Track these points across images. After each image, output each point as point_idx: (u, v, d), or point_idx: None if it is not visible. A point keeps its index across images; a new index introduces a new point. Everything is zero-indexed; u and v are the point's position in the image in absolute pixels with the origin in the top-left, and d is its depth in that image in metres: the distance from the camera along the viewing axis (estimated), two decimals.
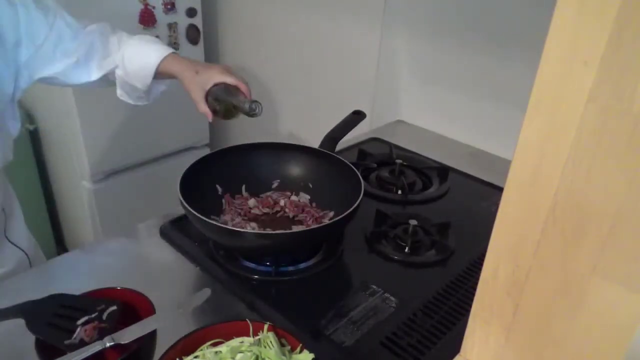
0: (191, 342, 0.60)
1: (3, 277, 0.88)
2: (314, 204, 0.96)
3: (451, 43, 1.34)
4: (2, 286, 0.80)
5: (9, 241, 0.98)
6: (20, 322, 0.63)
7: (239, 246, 0.84)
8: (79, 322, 0.62)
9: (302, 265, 0.85)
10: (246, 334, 0.62)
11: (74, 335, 0.61)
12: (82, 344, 0.60)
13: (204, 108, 0.87)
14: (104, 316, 0.64)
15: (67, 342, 0.60)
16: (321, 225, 0.85)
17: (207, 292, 0.67)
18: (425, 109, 1.47)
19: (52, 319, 0.63)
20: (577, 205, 0.41)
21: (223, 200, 0.94)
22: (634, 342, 0.41)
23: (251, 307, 0.76)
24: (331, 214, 0.93)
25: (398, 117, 1.53)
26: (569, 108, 0.39)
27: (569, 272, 0.44)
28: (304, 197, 0.97)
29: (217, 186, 0.95)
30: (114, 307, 0.64)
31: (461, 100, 1.37)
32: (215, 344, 0.61)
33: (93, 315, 0.63)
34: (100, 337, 0.61)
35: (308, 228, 0.88)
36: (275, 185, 0.99)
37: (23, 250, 1.01)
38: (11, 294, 0.78)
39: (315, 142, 1.00)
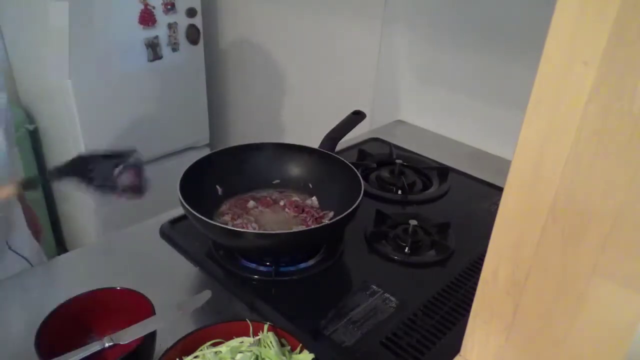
0: (191, 342, 0.60)
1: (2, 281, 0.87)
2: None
3: (451, 43, 1.34)
4: (2, 287, 0.80)
5: (10, 249, 0.97)
6: (20, 321, 0.63)
7: (239, 246, 0.84)
8: (116, 171, 0.69)
9: (302, 266, 0.85)
10: (246, 334, 0.62)
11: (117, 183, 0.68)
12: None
13: None
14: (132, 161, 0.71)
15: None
16: (321, 225, 0.85)
17: (207, 294, 0.67)
18: (425, 109, 1.47)
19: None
20: (577, 205, 0.41)
21: (223, 201, 0.94)
22: (634, 342, 0.41)
23: (251, 307, 0.76)
24: (331, 214, 0.93)
25: (398, 117, 1.53)
26: (569, 108, 0.39)
27: (569, 272, 0.44)
28: (314, 202, 0.97)
29: (217, 186, 0.95)
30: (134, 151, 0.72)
31: (461, 100, 1.37)
32: (215, 344, 0.61)
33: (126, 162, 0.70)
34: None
35: (308, 228, 0.88)
36: (275, 184, 0.99)
37: (25, 258, 1.00)
38: (11, 294, 0.78)
39: (315, 142, 1.00)
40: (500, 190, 0.83)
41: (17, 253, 0.98)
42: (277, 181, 1.00)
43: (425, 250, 0.91)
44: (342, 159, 0.95)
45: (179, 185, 0.82)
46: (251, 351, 0.59)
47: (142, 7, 1.74)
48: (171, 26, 1.84)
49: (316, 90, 1.80)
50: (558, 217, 0.43)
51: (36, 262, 1.01)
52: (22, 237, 1.01)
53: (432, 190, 1.12)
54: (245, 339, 0.61)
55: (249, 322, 0.62)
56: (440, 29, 1.35)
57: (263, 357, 0.59)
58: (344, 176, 0.92)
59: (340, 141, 1.03)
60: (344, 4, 1.58)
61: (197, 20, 1.91)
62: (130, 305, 0.66)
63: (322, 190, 0.97)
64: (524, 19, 1.17)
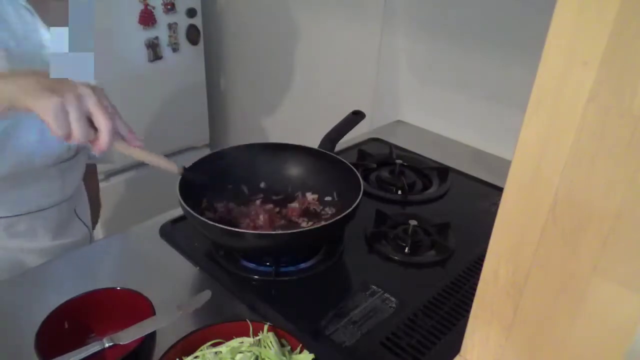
0: (191, 342, 0.60)
1: (68, 247, 0.96)
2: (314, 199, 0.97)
3: (451, 43, 1.34)
4: (2, 287, 0.80)
5: (78, 217, 1.07)
6: (20, 321, 0.63)
7: (239, 246, 0.84)
8: None
9: (302, 266, 0.85)
10: (246, 334, 0.62)
11: None
12: None
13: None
14: None
15: None
16: (321, 225, 0.85)
17: (207, 294, 0.67)
18: (425, 109, 1.47)
19: None
20: (577, 205, 0.41)
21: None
22: (634, 342, 0.41)
23: (251, 308, 0.76)
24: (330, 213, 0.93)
25: (398, 117, 1.53)
26: (569, 108, 0.39)
27: (569, 272, 0.44)
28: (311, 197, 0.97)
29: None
30: None
31: (461, 100, 1.37)
32: (215, 344, 0.61)
33: None
34: None
35: (308, 228, 0.88)
36: (275, 184, 0.99)
37: (87, 226, 1.11)
38: (11, 294, 0.78)
39: (315, 142, 1.00)
40: (500, 190, 0.83)
41: (82, 221, 1.09)
42: (277, 181, 0.99)
43: (425, 250, 0.91)
44: (342, 159, 0.95)
45: (179, 185, 0.82)
46: (251, 351, 0.59)
47: (142, 7, 1.74)
48: (171, 26, 1.84)
49: (316, 90, 1.80)
50: (558, 217, 0.43)
51: (91, 229, 1.15)
52: (85, 207, 1.12)
53: (432, 190, 1.12)
54: (245, 339, 0.61)
55: (249, 322, 0.62)
56: (440, 29, 1.35)
57: (263, 357, 0.59)
58: (344, 176, 0.91)
59: (340, 141, 1.03)
60: (344, 4, 1.58)
61: (197, 20, 1.91)
62: (130, 305, 0.66)
63: (321, 191, 0.97)
64: (524, 19, 1.17)
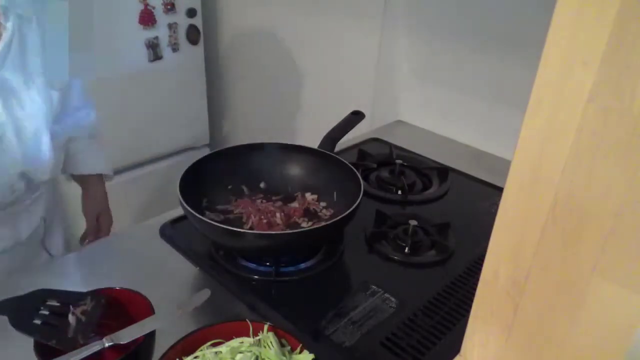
0: (191, 342, 0.60)
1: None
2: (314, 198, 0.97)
3: (451, 43, 1.34)
4: (2, 287, 0.80)
5: (45, 249, 1.02)
6: None
7: (239, 246, 0.84)
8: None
9: (302, 266, 0.85)
10: (246, 334, 0.62)
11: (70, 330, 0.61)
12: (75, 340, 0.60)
13: None
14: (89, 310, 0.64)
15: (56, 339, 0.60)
16: (321, 225, 0.85)
17: (206, 293, 0.67)
18: (425, 109, 1.47)
19: (36, 315, 0.62)
20: (577, 205, 0.41)
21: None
22: (634, 342, 0.41)
23: (251, 308, 0.76)
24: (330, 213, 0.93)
25: (398, 117, 1.53)
26: (569, 108, 0.39)
27: (569, 272, 0.44)
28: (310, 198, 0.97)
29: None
30: (100, 301, 0.64)
31: (461, 100, 1.37)
32: (215, 344, 0.61)
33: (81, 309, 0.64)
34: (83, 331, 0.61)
35: (308, 228, 0.88)
36: (275, 185, 0.99)
37: (52, 255, 1.05)
38: (11, 294, 0.78)
39: (314, 142, 1.00)
40: (500, 190, 0.83)
41: (49, 253, 1.05)
42: (277, 181, 0.99)
43: (425, 250, 0.91)
44: (342, 159, 0.95)
45: (179, 186, 0.82)
46: (251, 351, 0.59)
47: (142, 7, 1.74)
48: (171, 26, 1.84)
49: (316, 90, 1.80)
50: (558, 217, 0.42)
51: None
52: (57, 240, 1.08)
53: (432, 191, 1.12)
54: (245, 339, 0.61)
55: (249, 322, 0.62)
56: (440, 29, 1.35)
57: (263, 357, 0.59)
58: (344, 176, 0.92)
59: (340, 141, 1.03)
60: (344, 4, 1.58)
61: (197, 20, 1.91)
62: (130, 305, 0.66)
63: (321, 191, 0.97)
64: (524, 19, 1.17)
